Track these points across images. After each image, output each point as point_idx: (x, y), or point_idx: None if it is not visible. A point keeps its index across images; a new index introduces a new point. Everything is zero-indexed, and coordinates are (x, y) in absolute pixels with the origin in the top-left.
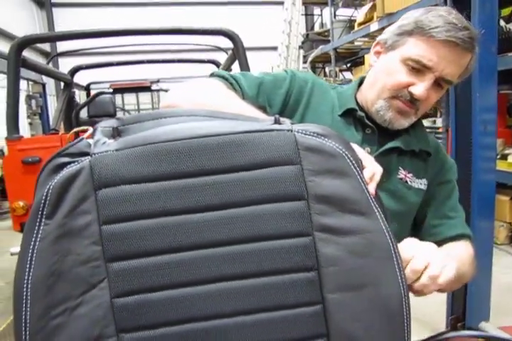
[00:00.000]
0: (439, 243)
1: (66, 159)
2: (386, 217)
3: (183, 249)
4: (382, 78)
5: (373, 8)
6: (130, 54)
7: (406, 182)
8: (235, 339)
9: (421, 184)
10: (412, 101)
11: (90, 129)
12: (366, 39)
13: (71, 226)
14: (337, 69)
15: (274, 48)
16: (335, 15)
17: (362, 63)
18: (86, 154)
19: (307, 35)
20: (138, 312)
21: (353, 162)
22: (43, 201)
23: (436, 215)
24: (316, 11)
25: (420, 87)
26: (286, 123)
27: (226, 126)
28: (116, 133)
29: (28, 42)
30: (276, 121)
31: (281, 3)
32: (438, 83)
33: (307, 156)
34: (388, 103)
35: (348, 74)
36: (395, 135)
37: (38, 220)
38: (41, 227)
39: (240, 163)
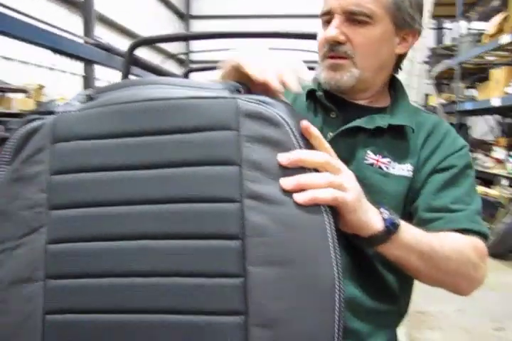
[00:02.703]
0: None
1: (36, 116)
2: None
3: (117, 202)
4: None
5: (506, 19)
6: None
7: (380, 168)
8: (146, 299)
9: (403, 170)
10: (333, 48)
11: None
12: (499, 53)
13: (24, 172)
14: (462, 85)
15: None
16: (468, 29)
17: (487, 78)
18: (52, 113)
19: (433, 49)
20: (65, 260)
21: (294, 131)
22: (6, 149)
23: (431, 207)
24: (450, 25)
25: (328, 30)
26: (241, 91)
27: (178, 93)
28: (88, 99)
29: (141, 43)
30: (231, 90)
31: None
32: (355, 20)
33: (246, 122)
34: (320, 67)
35: (472, 92)
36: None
37: (0, 166)
38: (2, 173)
39: (178, 126)
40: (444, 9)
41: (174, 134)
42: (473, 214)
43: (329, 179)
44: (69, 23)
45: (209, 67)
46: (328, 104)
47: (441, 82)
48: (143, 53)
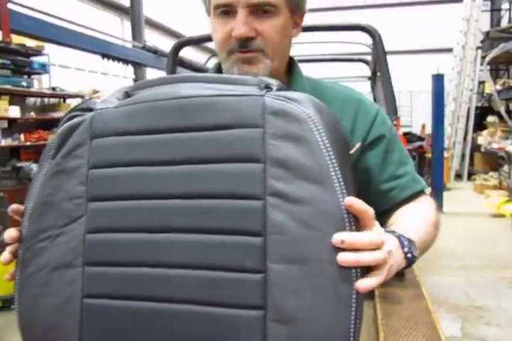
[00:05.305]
0: (397, 207)
1: (77, 113)
2: (352, 192)
3: (147, 196)
4: (215, 43)
5: None
6: None
7: None
8: (173, 289)
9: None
10: (244, 44)
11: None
12: None
13: (65, 166)
14: None
15: (449, 50)
16: None
17: None
18: (91, 110)
19: (487, 33)
20: (101, 249)
21: (318, 127)
22: (51, 144)
23: (384, 179)
24: (505, 5)
25: (236, 26)
26: (273, 88)
27: (207, 90)
28: (126, 96)
29: (183, 43)
30: (263, 86)
31: (460, 1)
32: (260, 12)
33: (271, 120)
34: (229, 61)
35: None
36: None
37: (46, 160)
38: (46, 166)
39: (205, 123)
40: None
41: (201, 131)
42: (414, 172)
43: (383, 258)
44: (119, 29)
45: None
46: None
47: (498, 67)
48: (192, 53)
